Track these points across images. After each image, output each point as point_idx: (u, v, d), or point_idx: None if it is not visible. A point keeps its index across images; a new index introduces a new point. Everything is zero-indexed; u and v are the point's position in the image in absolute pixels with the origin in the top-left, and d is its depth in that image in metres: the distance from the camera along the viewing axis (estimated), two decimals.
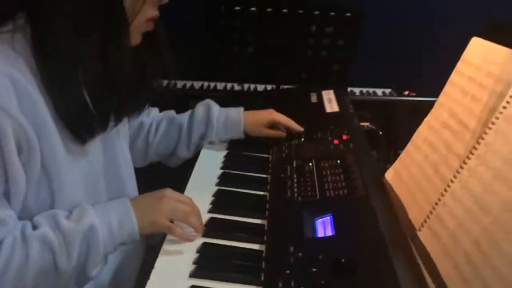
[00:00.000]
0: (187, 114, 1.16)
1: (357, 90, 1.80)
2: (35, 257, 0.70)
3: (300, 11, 1.60)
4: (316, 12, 1.59)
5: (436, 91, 0.94)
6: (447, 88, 0.91)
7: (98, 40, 0.73)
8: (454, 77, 0.90)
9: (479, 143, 0.75)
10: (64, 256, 0.72)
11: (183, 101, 1.77)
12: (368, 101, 1.74)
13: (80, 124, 0.76)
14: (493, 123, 0.73)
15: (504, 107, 0.72)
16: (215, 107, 1.15)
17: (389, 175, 0.98)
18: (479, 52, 0.84)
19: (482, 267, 0.65)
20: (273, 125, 1.17)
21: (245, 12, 1.62)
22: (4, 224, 0.70)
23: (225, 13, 1.62)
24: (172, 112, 1.17)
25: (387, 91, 1.86)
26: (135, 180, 0.98)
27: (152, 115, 1.14)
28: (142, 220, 0.80)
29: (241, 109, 1.17)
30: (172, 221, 0.82)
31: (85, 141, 0.78)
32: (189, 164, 1.11)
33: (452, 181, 0.78)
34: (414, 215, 0.86)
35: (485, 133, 0.74)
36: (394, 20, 2.15)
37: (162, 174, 1.15)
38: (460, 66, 0.89)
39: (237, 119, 1.14)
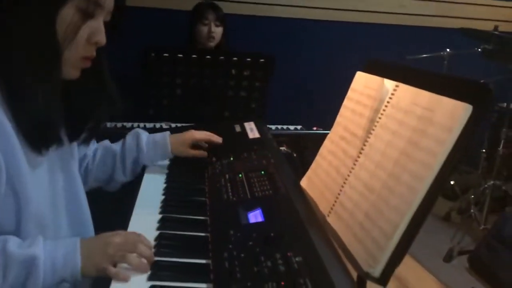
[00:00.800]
0: (119, 143, 1.31)
1: (273, 127, 2.08)
2: None
3: (221, 57, 1.86)
4: (235, 58, 1.86)
5: None
6: (342, 110, 1.19)
7: (31, 69, 0.82)
8: (346, 102, 1.19)
9: (365, 145, 1.02)
10: (1, 276, 0.78)
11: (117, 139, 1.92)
12: (283, 135, 2.02)
13: (36, 137, 0.85)
14: (373, 129, 1.01)
15: (380, 118, 1.00)
16: (143, 134, 1.31)
17: (304, 182, 1.23)
18: (362, 81, 1.13)
19: (371, 229, 0.89)
20: (196, 144, 1.37)
21: (173, 58, 1.84)
22: None
23: (155, 58, 1.84)
24: (106, 142, 1.31)
25: (298, 127, 2.16)
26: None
27: (91, 146, 1.26)
28: (86, 261, 0.84)
29: (167, 132, 1.34)
30: (115, 265, 0.85)
31: (40, 152, 0.86)
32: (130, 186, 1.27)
33: (348, 175, 1.04)
34: (323, 206, 1.10)
35: (369, 137, 1.01)
36: (301, 64, 2.50)
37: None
38: (350, 93, 1.18)
39: (164, 142, 1.30)
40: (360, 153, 1.03)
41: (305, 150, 1.77)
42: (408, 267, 1.04)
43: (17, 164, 0.83)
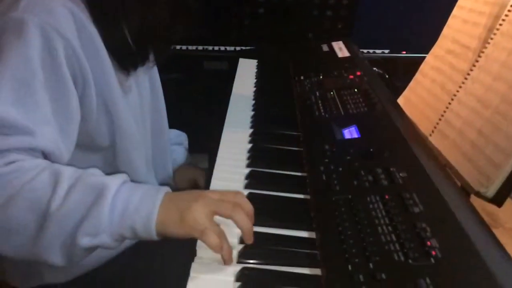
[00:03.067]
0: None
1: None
2: (36, 185, 0.62)
3: None
4: None
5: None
6: (450, 21, 1.07)
7: None
8: (456, 11, 1.06)
9: (480, 56, 0.91)
10: (61, 199, 0.61)
11: (198, 63, 1.91)
12: (370, 58, 1.89)
13: (124, 57, 0.79)
14: (491, 39, 0.89)
15: (500, 24, 0.88)
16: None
17: (400, 101, 1.14)
18: None
19: (484, 147, 0.81)
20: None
21: None
22: (31, 135, 0.64)
23: None
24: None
25: (386, 51, 2.02)
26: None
27: None
28: (167, 211, 0.63)
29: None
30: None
31: (129, 72, 0.82)
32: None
33: (457, 91, 0.94)
34: (425, 126, 1.02)
35: (485, 47, 0.90)
36: None
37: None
38: (460, 1, 1.05)
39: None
40: (474, 65, 0.92)
41: (394, 75, 1.65)
42: None
43: (109, 85, 0.78)
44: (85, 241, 0.62)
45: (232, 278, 0.63)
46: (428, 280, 0.56)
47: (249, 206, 0.68)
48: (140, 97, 0.91)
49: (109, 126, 0.81)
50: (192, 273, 0.63)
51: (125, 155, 0.86)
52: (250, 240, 0.67)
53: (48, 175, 0.63)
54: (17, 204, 0.60)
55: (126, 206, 0.63)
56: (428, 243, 0.61)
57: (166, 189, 0.67)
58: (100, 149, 0.84)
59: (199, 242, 0.66)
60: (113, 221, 0.62)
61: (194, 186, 1.13)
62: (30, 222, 0.61)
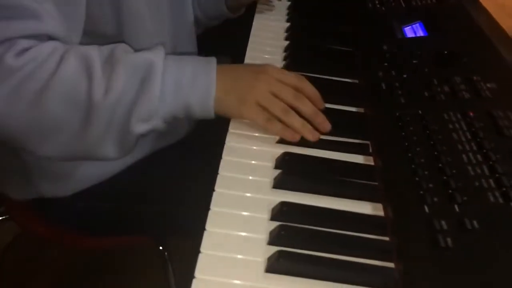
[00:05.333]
0: None
1: None
2: (66, 74, 0.54)
3: None
4: None
5: None
6: None
7: None
8: None
9: None
10: (103, 86, 0.54)
11: None
12: None
13: None
14: None
15: None
16: None
17: None
18: None
19: None
20: None
21: None
22: (37, 18, 0.54)
23: None
24: None
25: None
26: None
27: None
28: (224, 87, 0.57)
29: None
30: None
31: None
32: None
33: None
34: (508, 25, 0.81)
35: None
36: None
37: None
38: None
39: None
40: None
41: None
42: None
43: None
44: (139, 127, 0.55)
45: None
46: None
47: (312, 90, 0.60)
48: None
49: (115, 7, 0.66)
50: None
51: (135, 42, 0.68)
52: (323, 124, 0.58)
53: (74, 60, 0.54)
54: (48, 99, 0.52)
55: (179, 83, 0.56)
56: None
57: (214, 60, 0.59)
58: (106, 38, 0.68)
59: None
60: (166, 101, 0.56)
61: None
62: (73, 117, 0.54)
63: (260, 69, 0.60)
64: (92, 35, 0.67)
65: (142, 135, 0.58)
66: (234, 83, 0.58)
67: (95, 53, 0.56)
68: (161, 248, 0.86)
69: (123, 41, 0.68)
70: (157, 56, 0.56)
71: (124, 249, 1.16)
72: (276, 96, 0.58)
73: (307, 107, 0.58)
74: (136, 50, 0.67)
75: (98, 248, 1.11)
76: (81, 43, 0.61)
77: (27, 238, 1.12)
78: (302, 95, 0.59)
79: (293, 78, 0.61)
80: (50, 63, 0.53)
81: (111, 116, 0.54)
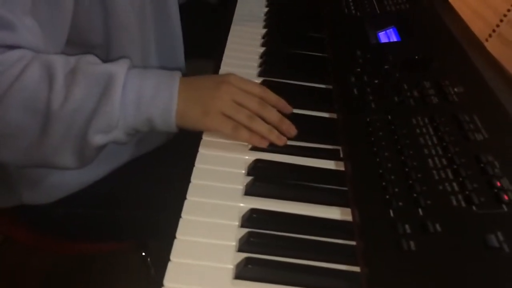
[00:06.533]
0: None
1: None
2: (27, 81, 0.53)
3: None
4: None
5: None
6: None
7: None
8: None
9: None
10: (62, 95, 0.54)
11: None
12: None
13: None
14: None
15: None
16: None
17: None
18: None
19: None
20: None
21: None
22: (11, 29, 0.53)
23: None
24: None
25: None
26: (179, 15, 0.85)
27: None
28: (187, 101, 0.57)
29: None
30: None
31: None
32: None
33: None
34: (479, 29, 0.82)
35: None
36: None
37: None
38: None
39: None
40: None
41: None
42: None
43: None
44: (97, 139, 0.55)
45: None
46: (500, 235, 0.42)
47: (275, 98, 0.62)
48: None
49: (103, 17, 0.66)
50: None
51: (120, 51, 0.70)
52: (289, 130, 0.60)
53: (38, 68, 0.53)
54: (9, 106, 0.52)
55: (140, 96, 0.56)
56: (498, 183, 0.46)
57: (179, 73, 0.59)
58: (92, 47, 0.68)
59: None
60: (126, 114, 0.55)
61: None
62: (31, 124, 0.53)
63: (222, 79, 0.61)
64: (79, 45, 0.67)
65: (104, 146, 0.58)
66: (196, 95, 0.58)
67: (60, 62, 0.56)
68: (143, 253, 0.87)
69: (109, 51, 0.70)
70: (119, 68, 0.56)
71: (108, 255, 1.17)
72: (240, 104, 0.58)
73: (271, 114, 0.59)
74: (122, 58, 0.67)
75: (82, 254, 1.11)
76: (67, 53, 0.61)
77: (11, 245, 1.12)
78: (265, 103, 0.60)
79: (256, 87, 0.61)
80: (14, 69, 0.53)
81: (69, 125, 0.54)
